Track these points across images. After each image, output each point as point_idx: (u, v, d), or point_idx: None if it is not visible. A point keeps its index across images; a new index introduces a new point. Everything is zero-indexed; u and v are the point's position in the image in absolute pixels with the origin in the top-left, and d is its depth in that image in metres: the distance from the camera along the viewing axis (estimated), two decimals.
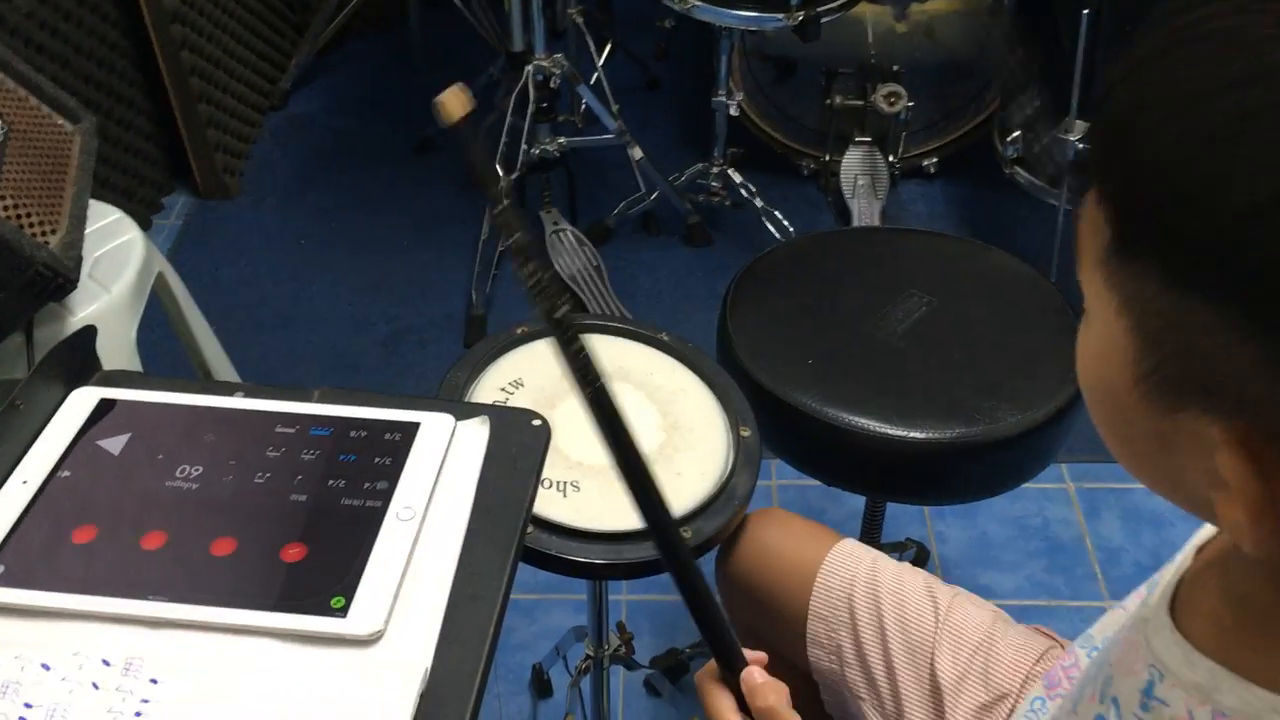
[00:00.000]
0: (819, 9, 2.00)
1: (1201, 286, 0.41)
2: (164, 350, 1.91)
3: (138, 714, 0.66)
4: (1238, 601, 0.53)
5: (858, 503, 1.54)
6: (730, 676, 0.78)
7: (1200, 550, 0.60)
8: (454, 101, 0.60)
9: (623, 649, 1.37)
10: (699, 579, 0.75)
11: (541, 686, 1.66)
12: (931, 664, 1.02)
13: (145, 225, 2.48)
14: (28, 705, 0.66)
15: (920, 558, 1.84)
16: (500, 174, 2.27)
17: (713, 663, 0.79)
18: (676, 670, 1.66)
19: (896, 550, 1.79)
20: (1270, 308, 0.40)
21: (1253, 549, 0.45)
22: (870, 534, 1.53)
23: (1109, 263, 0.46)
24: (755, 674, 0.76)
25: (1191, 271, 0.42)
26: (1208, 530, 0.62)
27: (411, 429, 0.83)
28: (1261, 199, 0.39)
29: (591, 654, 1.34)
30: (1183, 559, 0.60)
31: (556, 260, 2.34)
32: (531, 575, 1.80)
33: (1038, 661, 1.00)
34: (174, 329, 1.76)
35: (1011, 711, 0.98)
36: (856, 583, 1.07)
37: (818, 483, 1.73)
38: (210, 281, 2.39)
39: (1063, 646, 1.03)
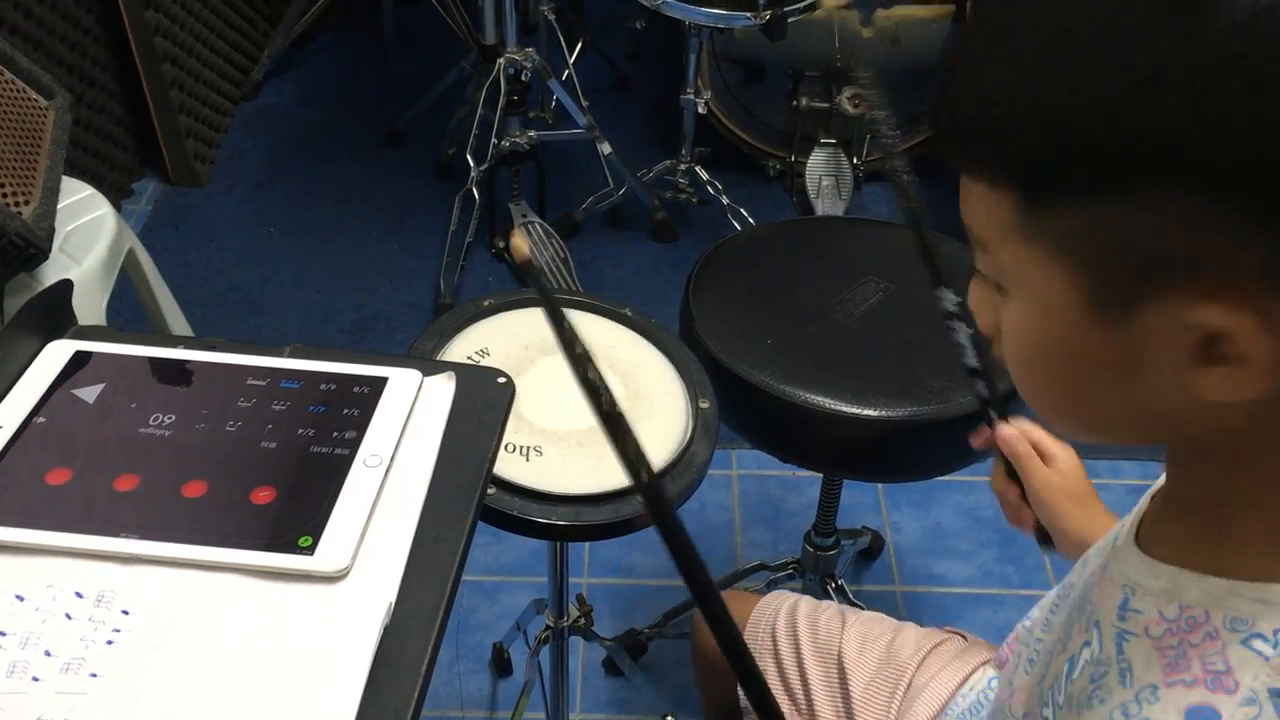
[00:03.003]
0: (785, 8, 2.05)
1: (1122, 183, 0.45)
2: (133, 327, 1.92)
3: (109, 642, 0.69)
4: (1190, 514, 0.57)
5: (815, 492, 1.58)
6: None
7: (1155, 495, 0.64)
8: (522, 242, 0.62)
9: (582, 620, 1.39)
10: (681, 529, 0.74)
11: (502, 665, 1.68)
12: (839, 654, 1.10)
13: (115, 209, 2.49)
14: (2, 634, 0.69)
15: (875, 546, 1.88)
16: (469, 169, 2.29)
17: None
18: (636, 649, 1.69)
19: (851, 537, 1.82)
20: (1196, 161, 0.43)
21: (1249, 393, 0.47)
22: (825, 517, 1.57)
23: (1024, 225, 0.49)
24: None
25: (1107, 178, 0.45)
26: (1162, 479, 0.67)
27: (380, 383, 0.85)
28: (1127, 85, 0.43)
29: (551, 624, 1.37)
30: (1142, 503, 0.65)
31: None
32: (494, 557, 1.84)
33: (936, 647, 1.08)
34: (143, 307, 1.77)
35: (911, 684, 1.03)
36: (779, 615, 1.16)
37: (776, 473, 1.77)
38: (179, 267, 2.40)
39: (964, 636, 1.10)
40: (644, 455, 0.57)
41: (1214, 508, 0.55)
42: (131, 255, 1.65)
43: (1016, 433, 0.94)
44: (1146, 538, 0.60)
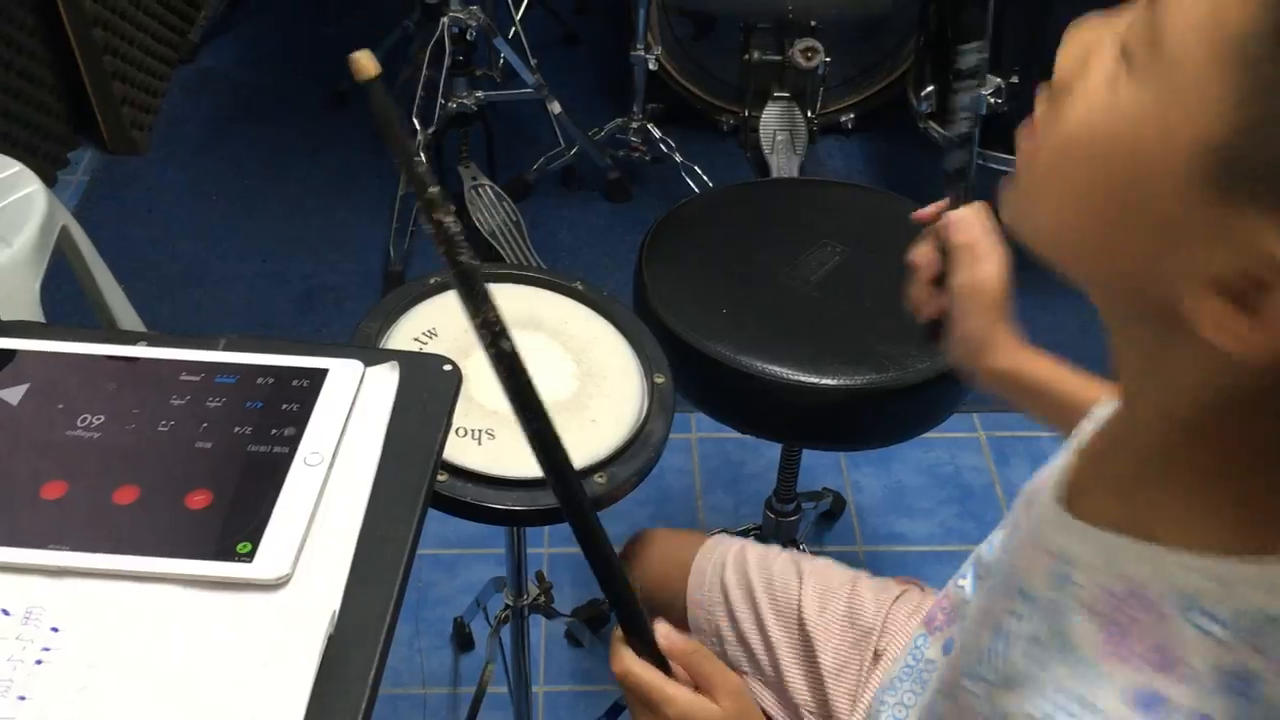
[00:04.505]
0: None
1: None
2: (71, 308, 1.87)
3: (39, 662, 0.65)
4: (1133, 467, 0.54)
5: (775, 454, 1.57)
6: (633, 635, 0.75)
7: (1083, 450, 0.61)
8: (366, 61, 0.61)
9: (542, 598, 1.37)
10: (599, 531, 0.73)
11: (463, 640, 1.66)
12: (799, 614, 1.08)
13: (50, 181, 2.41)
14: None
15: (837, 506, 1.88)
16: (415, 131, 2.24)
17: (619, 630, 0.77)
18: (597, 621, 1.68)
19: (813, 499, 1.82)
20: None
21: (1238, 346, 0.45)
22: (785, 483, 1.56)
23: (1247, 57, 0.42)
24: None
25: None
26: (1085, 429, 0.64)
27: (319, 375, 0.82)
28: None
29: (511, 604, 1.35)
30: (1064, 460, 0.62)
31: (475, 215, 2.32)
32: (452, 530, 1.81)
33: (896, 601, 1.06)
34: (80, 285, 1.72)
35: (876, 652, 1.02)
36: (727, 565, 1.12)
37: (736, 435, 1.75)
38: (119, 238, 2.33)
39: (920, 587, 1.08)
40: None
41: (1156, 466, 0.53)
42: (66, 233, 1.59)
43: (967, 218, 0.88)
44: (1076, 496, 0.58)
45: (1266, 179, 0.43)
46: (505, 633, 1.40)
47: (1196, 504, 0.51)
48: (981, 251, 0.87)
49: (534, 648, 1.66)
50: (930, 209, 0.91)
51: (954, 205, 0.90)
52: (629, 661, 0.72)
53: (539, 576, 1.39)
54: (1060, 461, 0.62)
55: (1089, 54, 0.50)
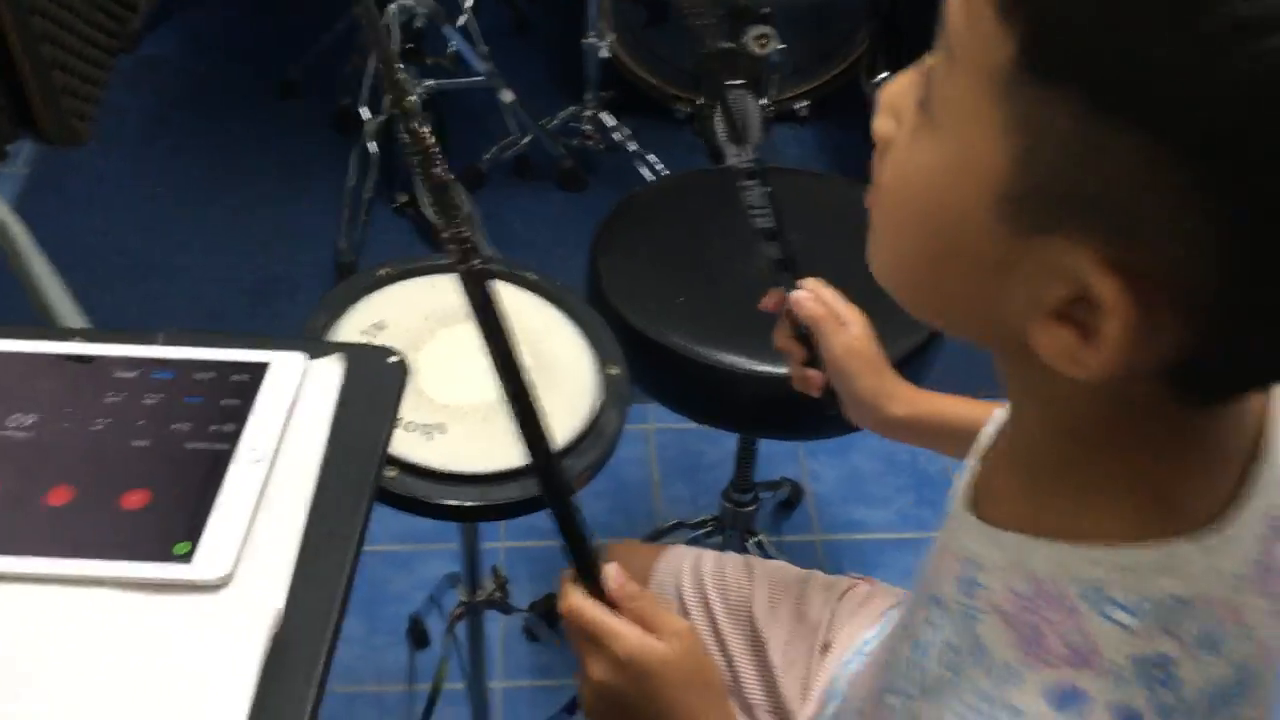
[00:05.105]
0: None
1: (1137, 117, 0.39)
2: (11, 305, 1.82)
3: None
4: (1029, 473, 0.54)
5: (733, 444, 1.55)
6: (583, 576, 0.73)
7: (985, 454, 0.61)
8: None
9: (497, 594, 1.36)
10: (558, 466, 0.71)
11: (419, 637, 1.64)
12: (750, 614, 1.07)
13: None
14: None
15: (795, 496, 1.87)
16: (363, 120, 2.21)
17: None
18: (555, 615, 1.66)
19: (771, 489, 1.81)
20: (1218, 145, 0.38)
21: (1080, 372, 0.45)
22: (743, 473, 1.55)
23: (1009, 83, 0.43)
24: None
25: (1131, 101, 0.39)
26: (986, 434, 0.64)
27: (260, 369, 0.79)
28: (1250, 17, 0.37)
29: (466, 600, 1.32)
30: (972, 466, 0.61)
31: (426, 207, 2.29)
32: (407, 526, 1.78)
33: (842, 596, 1.06)
34: (19, 281, 1.67)
35: (825, 644, 1.02)
36: (682, 575, 1.12)
37: (693, 426, 1.74)
38: (62, 231, 2.27)
39: (869, 583, 1.09)
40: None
41: (1056, 469, 0.53)
42: (2, 229, 1.55)
43: (810, 295, 0.92)
44: (982, 500, 0.57)
45: (1056, 205, 0.43)
46: (461, 629, 1.38)
47: (1095, 501, 0.51)
48: (840, 318, 0.91)
49: (491, 643, 1.64)
50: (771, 299, 0.95)
51: (790, 287, 0.93)
52: (577, 599, 0.70)
53: (494, 571, 1.37)
54: (968, 466, 0.62)
55: (901, 109, 0.51)
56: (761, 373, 1.19)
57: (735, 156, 0.90)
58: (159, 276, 2.22)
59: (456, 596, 1.36)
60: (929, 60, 0.49)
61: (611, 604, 0.70)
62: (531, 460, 0.69)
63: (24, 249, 1.60)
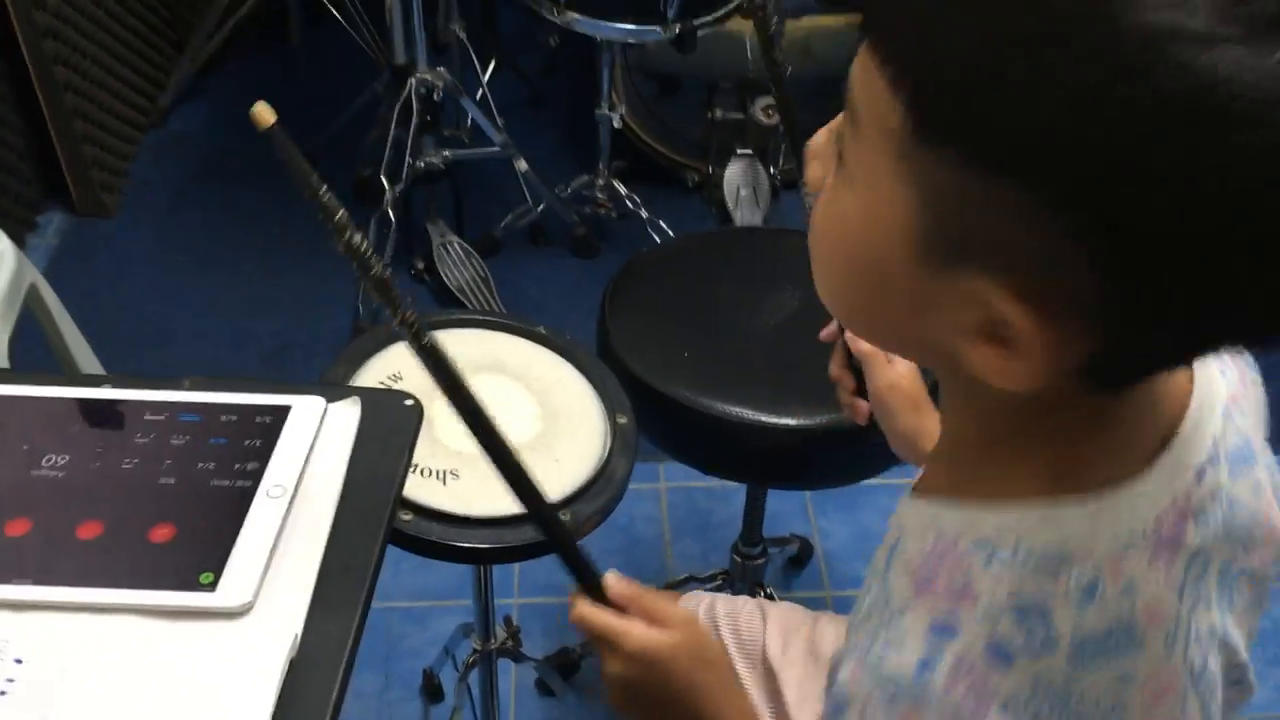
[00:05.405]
0: (694, 21, 2.06)
1: (1009, 171, 0.45)
2: (40, 366, 1.87)
3: (1, 693, 0.66)
4: (957, 459, 0.61)
5: (742, 501, 1.58)
6: (587, 589, 0.79)
7: (933, 453, 0.68)
8: (263, 111, 0.71)
9: (510, 642, 1.38)
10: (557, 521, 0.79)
11: (432, 691, 1.65)
12: (764, 654, 1.10)
13: (19, 244, 2.41)
14: None
15: (804, 552, 1.89)
16: (384, 189, 2.27)
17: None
18: (568, 669, 1.68)
19: (779, 545, 1.83)
20: (1080, 192, 0.44)
21: (1010, 383, 0.50)
22: (751, 527, 1.57)
23: (902, 144, 0.48)
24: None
25: (1002, 159, 0.45)
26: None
27: (282, 411, 0.83)
28: (1085, 91, 0.42)
29: (478, 648, 1.35)
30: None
31: (444, 272, 2.34)
32: (423, 582, 1.81)
33: None
34: (49, 343, 1.72)
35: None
36: (697, 619, 1.13)
37: (704, 485, 1.77)
38: (88, 300, 2.33)
39: None
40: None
41: (970, 448, 0.59)
42: (34, 291, 1.60)
43: None
44: (919, 487, 0.63)
45: (958, 247, 0.49)
46: (474, 679, 1.40)
47: (1009, 475, 0.57)
48: (888, 355, 0.96)
49: (504, 697, 1.65)
50: (830, 329, 1.00)
51: None
52: (584, 607, 0.77)
53: (507, 621, 1.40)
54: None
55: (825, 158, 0.58)
56: (764, 423, 1.22)
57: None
58: (179, 342, 2.28)
59: (470, 646, 1.38)
60: (838, 122, 0.55)
61: (618, 607, 0.76)
62: (510, 485, 0.75)
63: (55, 312, 1.65)
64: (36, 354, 1.77)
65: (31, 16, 2.27)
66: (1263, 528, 0.60)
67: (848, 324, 0.59)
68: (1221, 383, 0.60)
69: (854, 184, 0.53)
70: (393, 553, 1.97)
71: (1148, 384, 0.55)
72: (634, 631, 0.74)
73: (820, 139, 0.59)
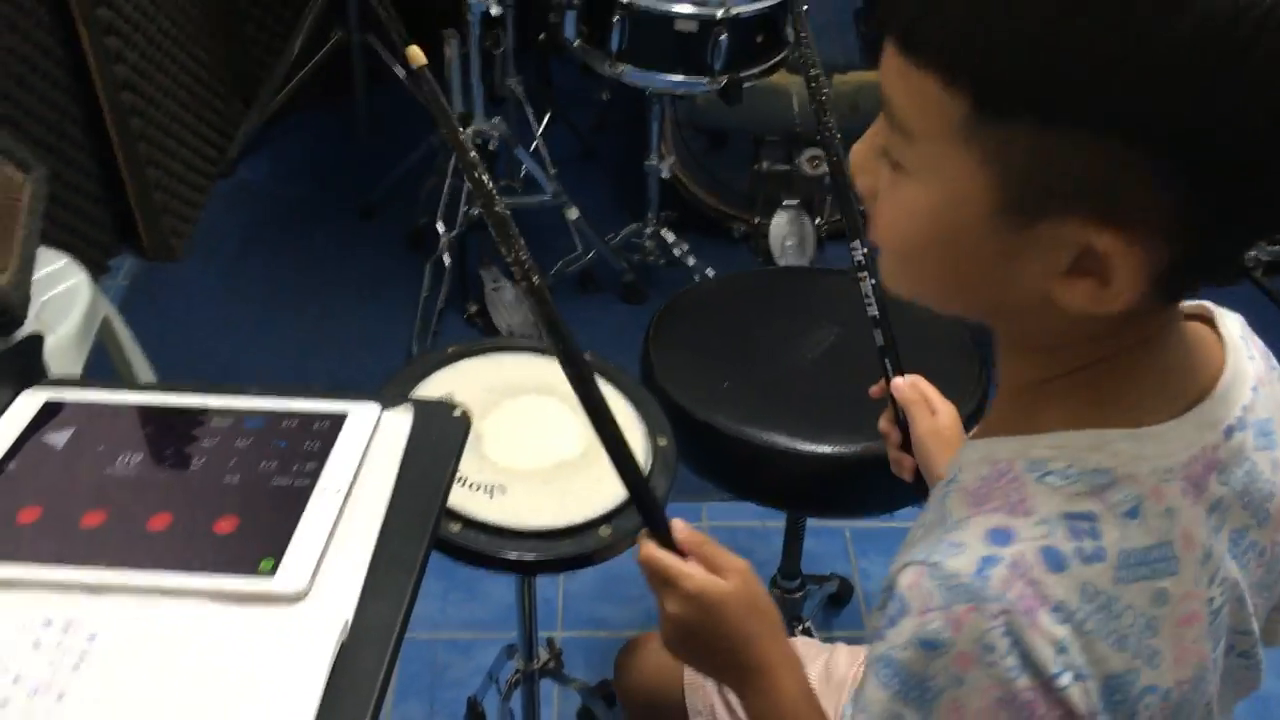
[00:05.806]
0: (740, 74, 2.12)
1: (1081, 123, 0.50)
2: None
3: (75, 667, 0.71)
4: (1013, 402, 0.66)
5: (781, 540, 1.61)
6: (654, 532, 0.85)
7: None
8: (417, 53, 0.81)
9: (552, 663, 1.41)
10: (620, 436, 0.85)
11: (476, 718, 1.69)
12: None
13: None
14: None
15: (844, 592, 1.91)
16: (439, 235, 2.35)
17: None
18: (611, 698, 1.70)
19: (819, 582, 1.85)
20: (1149, 124, 0.50)
21: (1110, 307, 0.55)
22: (790, 559, 1.60)
23: (970, 131, 0.54)
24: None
25: (1071, 114, 0.50)
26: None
27: (340, 418, 0.89)
28: (1136, 28, 0.48)
29: (521, 668, 1.38)
30: None
31: (495, 316, 2.41)
32: (469, 614, 1.85)
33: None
34: (118, 374, 1.80)
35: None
36: None
37: (744, 524, 1.79)
38: (155, 341, 2.41)
39: None
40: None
41: (1027, 392, 0.64)
42: (107, 323, 1.69)
43: (909, 383, 1.03)
44: (975, 434, 0.69)
45: (1040, 201, 0.54)
46: (517, 702, 1.43)
47: (1060, 405, 0.62)
48: (931, 405, 1.01)
49: None
50: (878, 386, 1.06)
51: (892, 374, 1.04)
52: (651, 549, 0.82)
53: (549, 643, 1.43)
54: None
55: (870, 169, 0.63)
56: (801, 451, 1.26)
57: (854, 252, 1.06)
58: (242, 379, 2.34)
59: (513, 667, 1.42)
60: (877, 138, 0.61)
61: (681, 552, 0.82)
62: (608, 444, 0.82)
63: (126, 344, 1.73)
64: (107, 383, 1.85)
65: (110, 70, 2.40)
66: (1277, 503, 0.64)
67: (930, 300, 0.64)
68: (1250, 366, 0.65)
69: (919, 177, 0.58)
70: (439, 585, 2.02)
71: (1185, 335, 0.62)
72: (694, 575, 0.79)
73: (860, 155, 0.63)
